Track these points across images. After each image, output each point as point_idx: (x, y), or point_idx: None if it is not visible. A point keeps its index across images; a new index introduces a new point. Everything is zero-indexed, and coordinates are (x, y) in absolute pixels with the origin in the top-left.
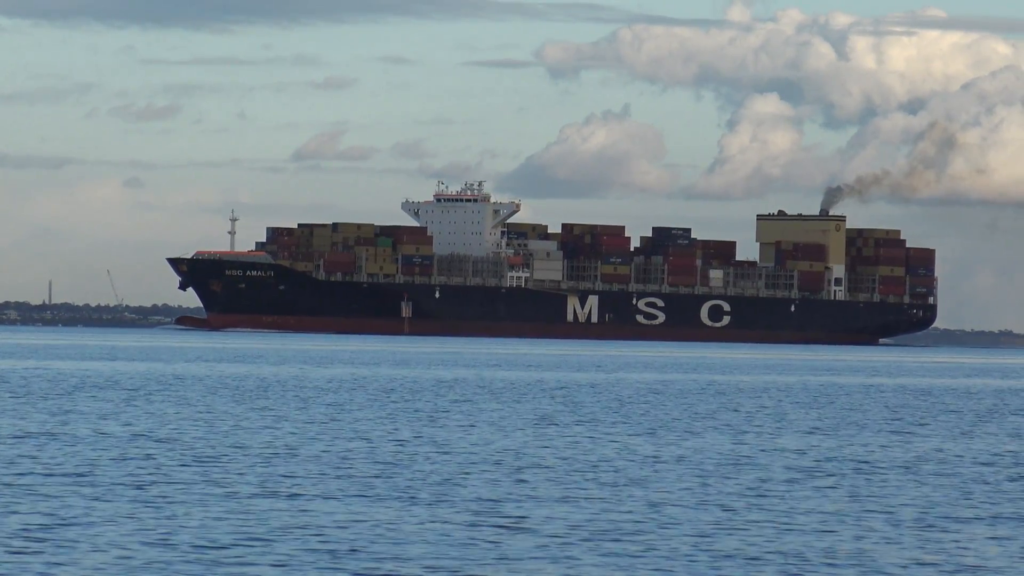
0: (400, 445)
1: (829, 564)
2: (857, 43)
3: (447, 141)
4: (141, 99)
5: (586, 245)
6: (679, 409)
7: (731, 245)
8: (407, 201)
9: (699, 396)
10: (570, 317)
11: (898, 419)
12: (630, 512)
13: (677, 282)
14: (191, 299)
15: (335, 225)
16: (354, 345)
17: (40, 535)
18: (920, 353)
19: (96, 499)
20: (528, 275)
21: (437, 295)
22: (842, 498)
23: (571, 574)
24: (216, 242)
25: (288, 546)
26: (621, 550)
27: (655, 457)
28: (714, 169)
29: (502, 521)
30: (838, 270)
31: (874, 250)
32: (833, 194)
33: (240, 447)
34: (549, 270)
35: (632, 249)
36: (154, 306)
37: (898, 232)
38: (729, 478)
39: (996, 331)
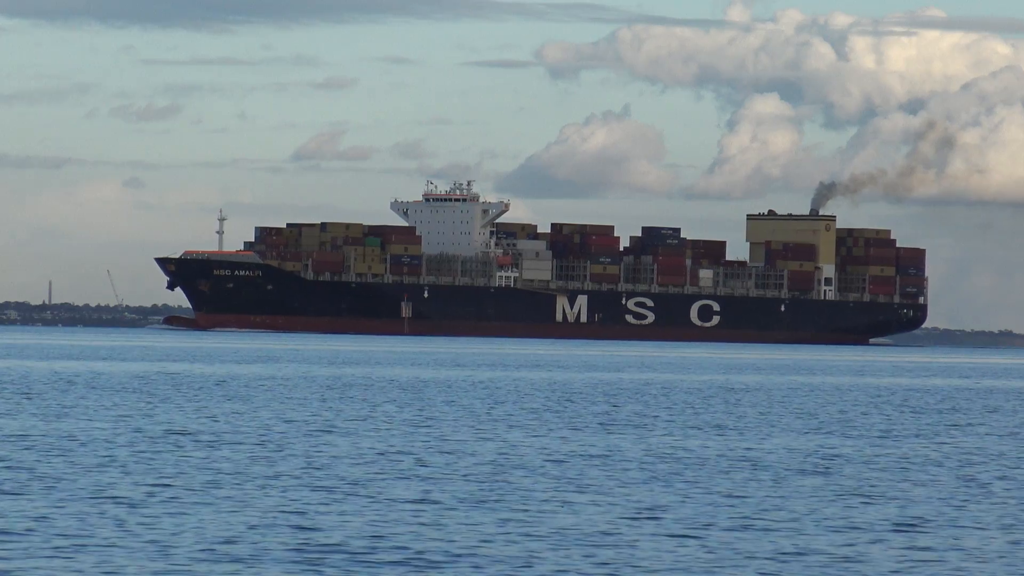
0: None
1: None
2: (857, 43)
3: (447, 141)
4: (141, 99)
5: (575, 245)
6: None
7: (721, 245)
8: (396, 201)
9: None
10: (559, 317)
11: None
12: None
13: (667, 282)
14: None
15: (324, 225)
16: (386, 346)
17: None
18: (905, 353)
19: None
20: (517, 275)
21: (426, 295)
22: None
23: None
24: (213, 242)
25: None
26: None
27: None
28: (714, 169)
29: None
30: (828, 270)
31: (864, 250)
32: (823, 193)
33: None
34: (538, 270)
35: (621, 249)
36: (154, 306)
37: (888, 232)
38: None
39: (996, 331)
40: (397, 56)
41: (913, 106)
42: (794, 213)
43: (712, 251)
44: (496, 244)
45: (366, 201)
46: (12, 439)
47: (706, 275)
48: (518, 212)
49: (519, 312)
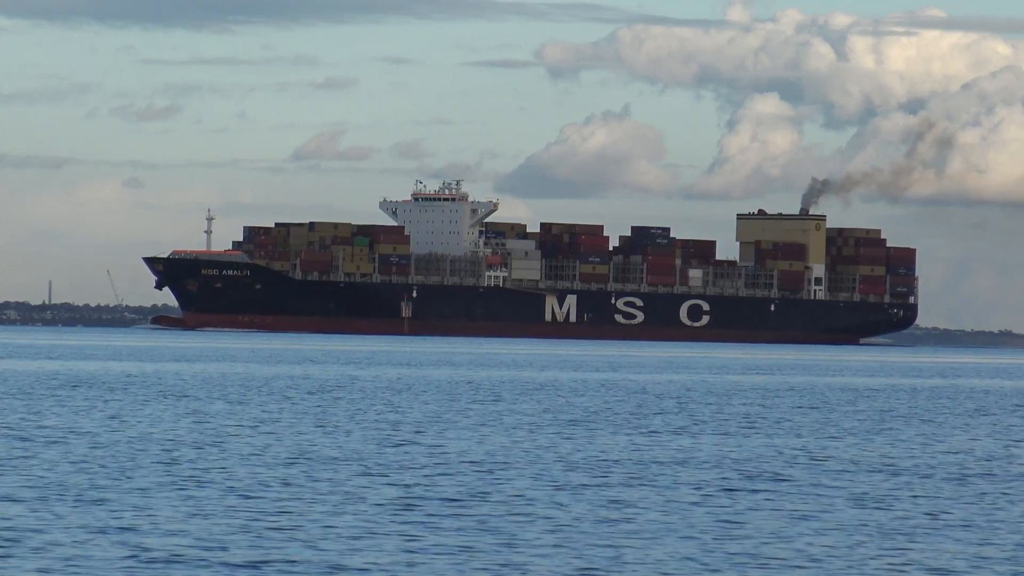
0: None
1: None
2: (856, 43)
3: (447, 141)
4: (141, 99)
5: (565, 244)
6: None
7: (711, 244)
8: (385, 200)
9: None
10: (548, 317)
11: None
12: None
13: (656, 281)
14: None
15: (312, 224)
16: (400, 346)
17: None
18: (890, 353)
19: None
20: (506, 274)
21: (414, 295)
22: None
23: None
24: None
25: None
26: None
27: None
28: (714, 169)
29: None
30: (818, 269)
31: (854, 250)
32: (817, 189)
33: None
34: (527, 269)
35: (611, 248)
36: (154, 306)
37: (878, 232)
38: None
39: (996, 331)
40: (397, 56)
41: (913, 106)
42: (784, 213)
43: (702, 251)
44: (485, 244)
45: (366, 201)
46: None
47: (696, 275)
48: (518, 212)
49: (508, 312)
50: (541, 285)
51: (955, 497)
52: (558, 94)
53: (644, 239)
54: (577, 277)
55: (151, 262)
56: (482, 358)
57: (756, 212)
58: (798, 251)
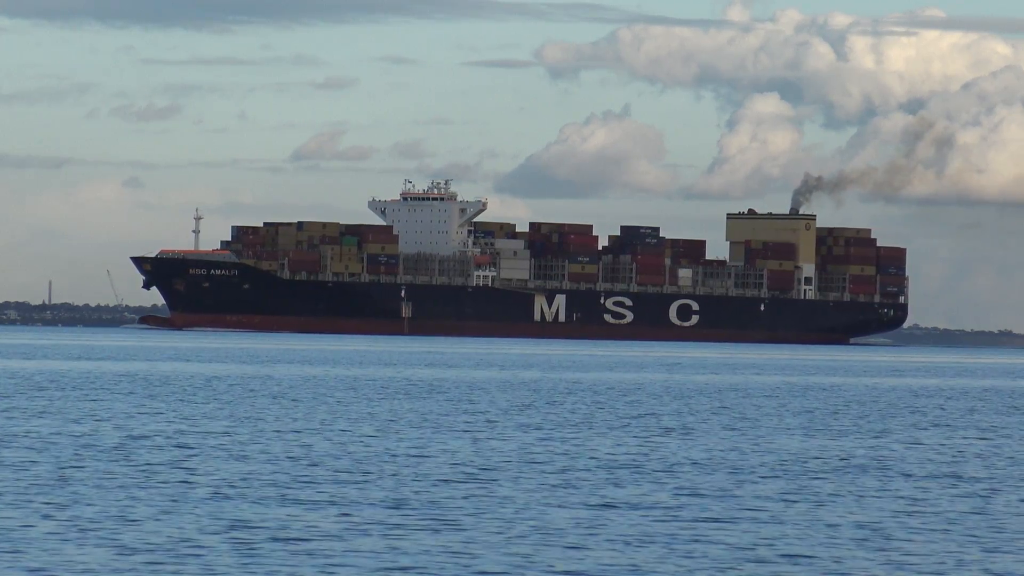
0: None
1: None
2: (856, 43)
3: (447, 141)
4: (141, 99)
5: (553, 244)
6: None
7: (700, 244)
8: (374, 200)
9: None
10: (537, 316)
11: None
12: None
13: (645, 281)
14: None
15: (300, 224)
16: (421, 347)
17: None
18: (871, 352)
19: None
20: (495, 274)
21: (403, 294)
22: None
23: None
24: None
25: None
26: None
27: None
28: (713, 169)
29: None
30: (808, 269)
31: (844, 249)
32: (810, 185)
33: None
34: (516, 269)
35: (600, 248)
36: (154, 306)
37: (868, 231)
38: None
39: (995, 331)
40: (397, 56)
41: (913, 106)
42: (774, 212)
43: (692, 250)
44: (474, 243)
45: (366, 202)
46: None
47: (685, 274)
48: (518, 212)
49: (497, 312)
50: (530, 285)
51: (841, 493)
52: (558, 94)
53: (633, 239)
54: (566, 277)
55: (139, 262)
56: (574, 360)
57: (746, 212)
58: (788, 251)
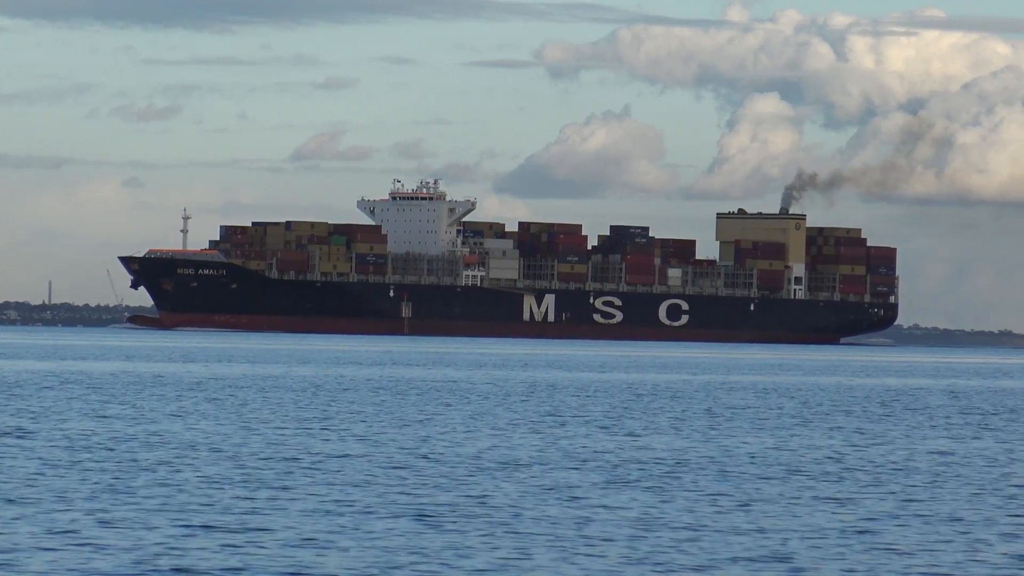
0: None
1: None
2: (856, 43)
3: (447, 141)
4: (141, 99)
5: (543, 244)
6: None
7: (690, 244)
8: (363, 199)
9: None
10: (526, 316)
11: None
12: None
13: (635, 281)
14: None
15: (289, 224)
16: (436, 348)
17: None
18: (857, 352)
19: None
20: (484, 274)
21: (391, 294)
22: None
23: None
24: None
25: None
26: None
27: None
28: (713, 169)
29: None
30: (798, 269)
31: (834, 249)
32: (804, 180)
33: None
34: (505, 269)
35: (589, 248)
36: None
37: (859, 231)
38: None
39: (996, 331)
40: (397, 56)
41: (913, 106)
42: (764, 212)
43: (681, 250)
44: (463, 243)
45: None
46: None
47: (675, 274)
48: (518, 212)
49: (486, 311)
50: (519, 284)
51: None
52: (558, 94)
53: (623, 238)
54: (555, 276)
55: (127, 261)
56: (592, 360)
57: (736, 211)
58: (778, 250)
